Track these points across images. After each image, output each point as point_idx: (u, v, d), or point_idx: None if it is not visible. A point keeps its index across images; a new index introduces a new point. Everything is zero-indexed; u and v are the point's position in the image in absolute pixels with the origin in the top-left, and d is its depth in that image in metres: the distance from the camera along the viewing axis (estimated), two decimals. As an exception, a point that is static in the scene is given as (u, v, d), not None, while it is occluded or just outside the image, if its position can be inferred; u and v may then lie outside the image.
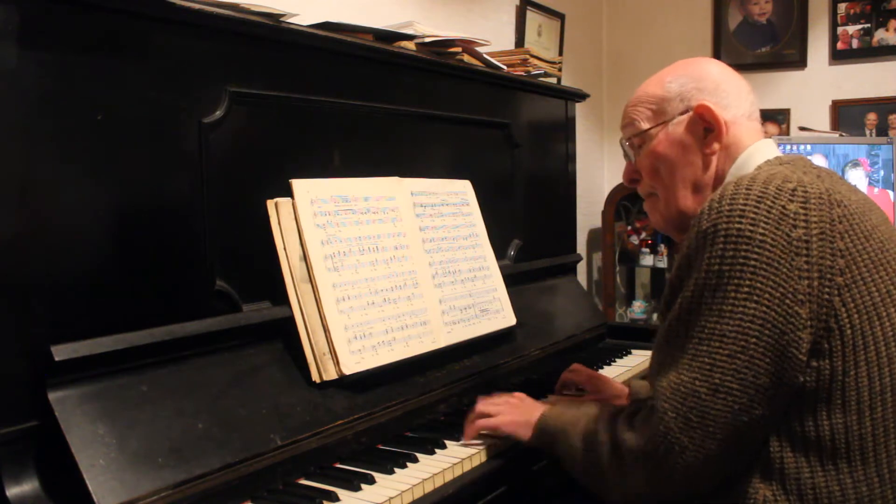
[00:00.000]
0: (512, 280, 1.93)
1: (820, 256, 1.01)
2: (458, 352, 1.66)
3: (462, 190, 1.85)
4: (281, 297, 1.38)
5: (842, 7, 3.46)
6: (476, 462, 1.34)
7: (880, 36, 3.41)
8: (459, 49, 1.95)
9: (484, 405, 1.41)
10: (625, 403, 1.57)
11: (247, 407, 1.24)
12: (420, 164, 1.78)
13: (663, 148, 1.26)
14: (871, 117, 3.43)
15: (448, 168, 1.86)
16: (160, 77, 1.23)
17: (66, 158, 1.11)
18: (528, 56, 2.34)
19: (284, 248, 1.38)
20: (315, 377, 1.35)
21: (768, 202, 1.03)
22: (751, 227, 1.02)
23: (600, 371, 1.94)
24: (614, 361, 2.04)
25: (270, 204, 1.39)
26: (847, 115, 3.47)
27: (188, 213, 1.27)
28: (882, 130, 3.41)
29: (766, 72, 3.59)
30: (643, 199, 1.36)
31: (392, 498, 1.17)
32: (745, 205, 1.03)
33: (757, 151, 1.21)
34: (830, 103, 3.51)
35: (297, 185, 1.42)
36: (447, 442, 1.38)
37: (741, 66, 3.60)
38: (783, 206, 1.02)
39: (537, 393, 1.65)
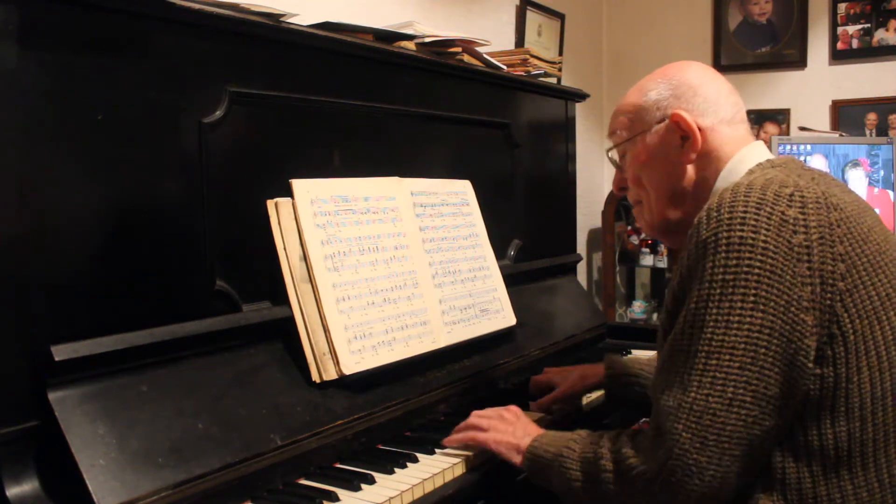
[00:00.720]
0: (512, 280, 1.93)
1: (821, 262, 1.00)
2: (458, 352, 1.66)
3: (462, 190, 1.85)
4: (281, 297, 1.38)
5: (842, 7, 3.46)
6: (476, 462, 1.34)
7: (880, 36, 3.41)
8: (459, 49, 1.95)
9: (476, 418, 1.37)
10: (596, 381, 1.62)
11: (247, 407, 1.24)
12: (420, 164, 1.78)
13: (644, 157, 1.26)
14: (871, 117, 3.43)
15: (448, 168, 1.86)
16: (160, 77, 1.23)
17: (66, 158, 1.11)
18: (528, 56, 2.34)
19: (284, 248, 1.38)
20: (315, 377, 1.35)
21: (768, 208, 1.01)
22: (752, 235, 1.00)
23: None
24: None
25: (270, 204, 1.39)
26: (847, 115, 3.47)
27: (188, 213, 1.27)
28: (882, 130, 3.41)
29: (766, 72, 3.59)
30: (632, 205, 1.37)
31: (392, 498, 1.17)
32: (746, 212, 1.01)
33: (747, 156, 1.20)
34: (830, 103, 3.51)
35: (297, 185, 1.42)
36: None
37: (741, 67, 3.61)
38: (782, 212, 1.01)
39: (537, 393, 1.65)
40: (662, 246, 3.49)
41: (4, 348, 1.03)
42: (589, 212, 3.65)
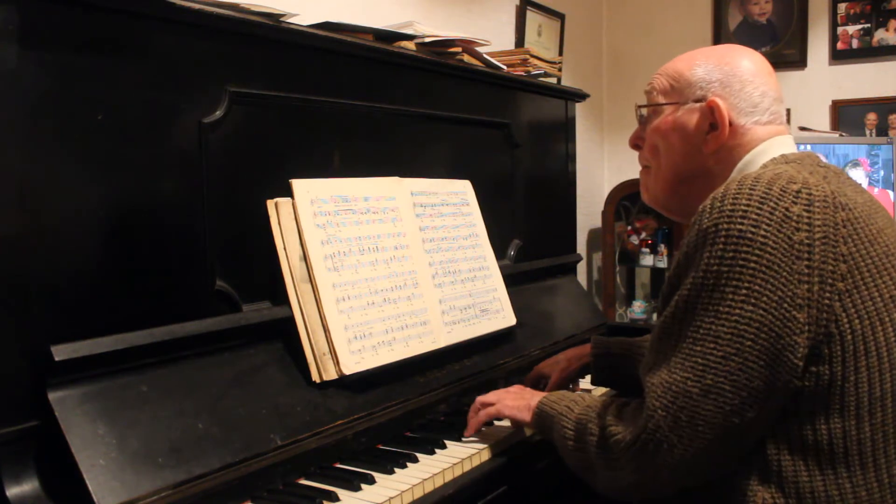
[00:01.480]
0: (512, 280, 1.93)
1: (822, 261, 1.00)
2: (458, 352, 1.66)
3: (462, 190, 1.85)
4: (281, 297, 1.38)
5: (842, 7, 3.46)
6: (476, 462, 1.34)
7: (880, 36, 3.41)
8: (459, 49, 1.95)
9: (483, 396, 1.44)
10: (585, 362, 1.65)
11: (247, 407, 1.24)
12: (420, 164, 1.78)
13: (667, 128, 1.24)
14: (871, 117, 3.43)
15: (448, 168, 1.86)
16: (160, 77, 1.23)
17: (66, 158, 1.11)
18: (528, 56, 2.34)
19: (284, 248, 1.38)
20: (315, 377, 1.35)
21: (771, 204, 1.01)
22: (752, 229, 1.00)
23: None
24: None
25: (270, 204, 1.39)
26: (847, 115, 3.47)
27: (188, 213, 1.27)
28: (882, 130, 3.40)
29: (766, 72, 3.58)
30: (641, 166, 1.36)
31: (392, 498, 1.17)
32: (748, 205, 1.01)
33: (768, 148, 1.19)
34: (830, 103, 3.51)
35: (297, 185, 1.42)
36: (447, 442, 1.38)
37: (741, 66, 3.60)
38: (786, 209, 1.01)
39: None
40: (662, 246, 3.49)
41: (4, 348, 1.03)
42: (589, 212, 3.65)
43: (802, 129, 3.43)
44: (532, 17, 3.19)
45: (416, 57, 1.78)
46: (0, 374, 1.03)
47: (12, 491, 1.00)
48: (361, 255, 1.49)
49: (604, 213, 3.57)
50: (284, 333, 1.37)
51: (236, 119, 1.35)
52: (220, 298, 1.32)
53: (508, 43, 3.10)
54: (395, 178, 1.65)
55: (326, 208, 1.46)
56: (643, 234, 3.55)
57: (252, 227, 1.37)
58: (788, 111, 3.57)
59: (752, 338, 1.00)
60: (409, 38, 1.80)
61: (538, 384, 1.68)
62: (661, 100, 1.26)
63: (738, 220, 1.01)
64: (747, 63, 1.22)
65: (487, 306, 1.77)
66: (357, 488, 1.20)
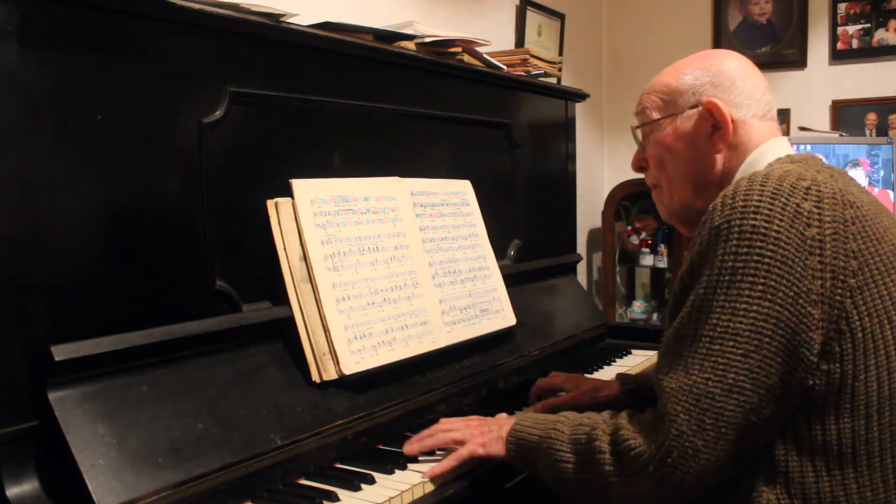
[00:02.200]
0: (512, 280, 1.92)
1: (833, 257, 1.00)
2: (458, 352, 1.66)
3: (462, 190, 1.85)
4: (281, 297, 1.38)
5: (842, 7, 3.46)
6: (476, 463, 1.34)
7: (880, 36, 3.41)
8: (459, 49, 1.95)
9: (449, 423, 1.33)
10: (607, 395, 1.55)
11: (247, 407, 1.24)
12: (420, 164, 1.78)
13: (670, 140, 1.24)
14: (871, 117, 3.43)
15: (448, 168, 1.86)
16: (160, 77, 1.23)
17: (66, 158, 1.11)
18: (528, 56, 2.34)
19: (284, 248, 1.38)
20: (315, 377, 1.35)
21: (783, 199, 1.01)
22: (766, 224, 1.00)
23: (600, 371, 1.94)
24: (614, 361, 2.04)
25: (270, 204, 1.39)
26: (847, 115, 3.47)
27: (188, 213, 1.27)
28: (882, 130, 3.40)
29: (766, 72, 3.53)
30: (650, 187, 1.35)
31: (392, 498, 1.17)
32: (760, 201, 1.01)
33: (769, 149, 1.19)
34: (830, 103, 3.51)
35: (297, 185, 1.42)
36: (447, 442, 1.38)
37: (741, 66, 3.60)
38: (797, 204, 1.01)
39: (535, 400, 1.64)
40: (662, 246, 3.49)
41: (4, 348, 1.03)
42: (589, 212, 3.65)
43: (802, 129, 3.43)
44: (532, 17, 3.19)
45: (416, 57, 1.78)
46: (0, 374, 1.03)
47: (12, 491, 1.00)
48: (361, 255, 1.49)
49: (604, 213, 3.57)
50: (284, 333, 1.37)
51: (236, 119, 1.35)
52: (220, 298, 1.32)
53: (508, 43, 3.10)
54: (395, 178, 1.65)
55: (326, 208, 1.46)
56: (643, 234, 3.55)
57: (252, 227, 1.37)
58: (788, 111, 3.57)
59: (769, 334, 0.99)
60: (409, 38, 1.80)
61: (545, 396, 1.62)
62: (655, 116, 1.26)
63: (751, 215, 1.01)
64: (731, 62, 1.24)
65: (487, 306, 1.77)
66: (357, 488, 1.20)
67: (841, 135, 3.33)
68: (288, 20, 1.43)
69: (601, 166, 3.97)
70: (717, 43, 3.68)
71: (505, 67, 2.16)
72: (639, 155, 1.33)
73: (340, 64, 1.57)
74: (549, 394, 1.64)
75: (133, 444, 1.07)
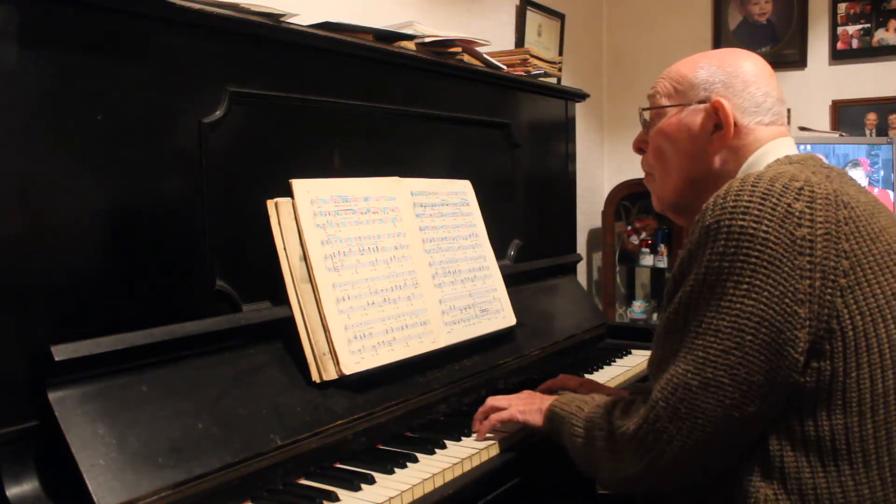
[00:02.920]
0: (512, 280, 1.92)
1: (824, 257, 1.01)
2: (458, 352, 1.66)
3: (462, 190, 1.85)
4: (281, 297, 1.38)
5: (842, 7, 3.46)
6: (476, 462, 1.34)
7: (880, 36, 3.41)
8: (459, 49, 1.95)
9: (494, 400, 1.44)
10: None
11: (247, 407, 1.24)
12: (420, 164, 1.78)
13: (672, 130, 1.26)
14: (871, 117, 3.43)
15: (448, 168, 1.86)
16: (160, 77, 1.23)
17: (66, 158, 1.11)
18: (528, 56, 2.34)
19: (284, 248, 1.38)
20: (315, 377, 1.35)
21: (773, 200, 1.02)
22: (754, 225, 1.01)
23: (600, 371, 1.94)
24: (614, 361, 2.04)
25: (270, 204, 1.39)
26: (847, 115, 3.47)
27: (188, 212, 1.27)
28: (882, 130, 3.41)
29: (766, 72, 3.58)
30: (644, 173, 1.37)
31: (392, 498, 1.17)
32: (750, 202, 1.02)
33: (770, 151, 1.20)
34: (830, 103, 3.51)
35: (297, 185, 1.42)
36: (447, 442, 1.38)
37: (741, 66, 3.60)
38: (788, 205, 1.02)
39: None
40: (662, 246, 3.49)
41: (4, 348, 1.03)
42: (589, 212, 3.65)
43: (802, 129, 3.43)
44: (532, 17, 3.19)
45: (416, 57, 1.78)
46: (0, 374, 1.03)
47: (12, 491, 1.00)
48: (361, 255, 1.49)
49: (604, 213, 3.57)
50: (284, 333, 1.37)
51: (236, 119, 1.35)
52: (220, 298, 1.32)
53: (508, 43, 3.10)
54: (395, 178, 1.65)
55: (326, 208, 1.46)
56: (643, 234, 3.55)
57: (252, 227, 1.37)
58: (788, 111, 3.56)
59: (752, 332, 1.01)
60: (409, 38, 1.80)
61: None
62: (664, 102, 1.28)
63: (740, 216, 1.02)
64: (749, 65, 1.24)
65: (487, 306, 1.77)
66: (357, 488, 1.20)
67: (841, 135, 3.33)
68: (288, 20, 1.43)
69: (601, 166, 3.97)
70: (717, 43, 3.68)
71: (505, 67, 2.16)
72: (641, 136, 1.35)
73: (340, 64, 1.57)
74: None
75: (133, 444, 1.07)
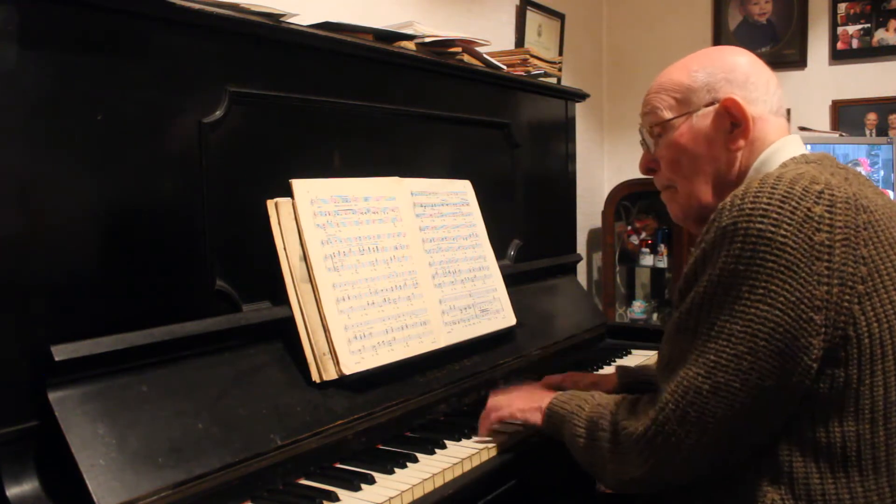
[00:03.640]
0: (512, 280, 1.92)
1: (842, 263, 0.99)
2: (458, 352, 1.66)
3: (462, 190, 1.85)
4: (281, 297, 1.38)
5: (842, 7, 3.46)
6: (476, 462, 1.34)
7: (880, 36, 3.41)
8: (459, 49, 1.95)
9: (494, 399, 1.43)
10: (606, 388, 1.58)
11: (247, 407, 1.24)
12: (420, 164, 1.78)
13: (686, 140, 1.22)
14: (871, 117, 3.43)
15: (448, 168, 1.86)
16: (160, 77, 1.23)
17: (66, 158, 1.11)
18: (528, 56, 2.34)
19: (284, 248, 1.38)
20: (315, 377, 1.35)
21: (793, 203, 1.00)
22: (772, 229, 0.99)
23: (600, 371, 1.94)
24: (614, 361, 2.04)
25: (270, 204, 1.39)
26: (847, 115, 3.47)
27: (188, 212, 1.27)
28: (882, 130, 3.41)
29: (766, 72, 3.58)
30: (660, 190, 1.32)
31: (392, 498, 1.17)
32: (769, 204, 1.00)
33: (783, 147, 1.18)
34: (830, 103, 3.51)
35: (297, 185, 1.42)
36: (447, 442, 1.38)
37: (741, 66, 3.60)
38: (808, 209, 0.99)
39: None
40: (662, 246, 3.49)
41: (4, 348, 1.03)
42: (589, 212, 3.65)
43: (802, 129, 3.43)
44: (532, 17, 3.19)
45: (416, 57, 1.78)
46: (0, 374, 1.03)
47: (12, 491, 1.00)
48: (361, 255, 1.49)
49: (604, 213, 3.57)
50: (284, 333, 1.37)
51: (236, 119, 1.35)
52: (220, 298, 1.32)
53: (508, 43, 3.10)
54: (395, 178, 1.65)
55: (326, 208, 1.46)
56: (643, 234, 3.55)
57: (252, 227, 1.37)
58: (788, 111, 3.56)
59: (765, 337, 0.99)
60: (409, 38, 1.80)
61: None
62: (668, 115, 1.24)
63: (758, 218, 1.00)
64: (743, 58, 1.23)
65: (487, 306, 1.77)
66: (357, 488, 1.20)
67: (841, 135, 3.33)
68: (288, 20, 1.43)
69: (601, 166, 3.97)
70: (717, 43, 3.68)
71: (505, 67, 2.16)
72: (647, 157, 1.31)
73: (340, 64, 1.57)
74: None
75: (133, 444, 1.07)
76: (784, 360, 0.99)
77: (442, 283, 1.67)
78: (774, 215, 0.99)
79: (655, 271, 3.71)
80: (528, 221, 2.17)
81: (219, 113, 1.31)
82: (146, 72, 1.21)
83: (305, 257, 1.39)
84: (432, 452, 1.34)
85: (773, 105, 1.21)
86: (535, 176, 2.23)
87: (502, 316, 1.81)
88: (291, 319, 1.36)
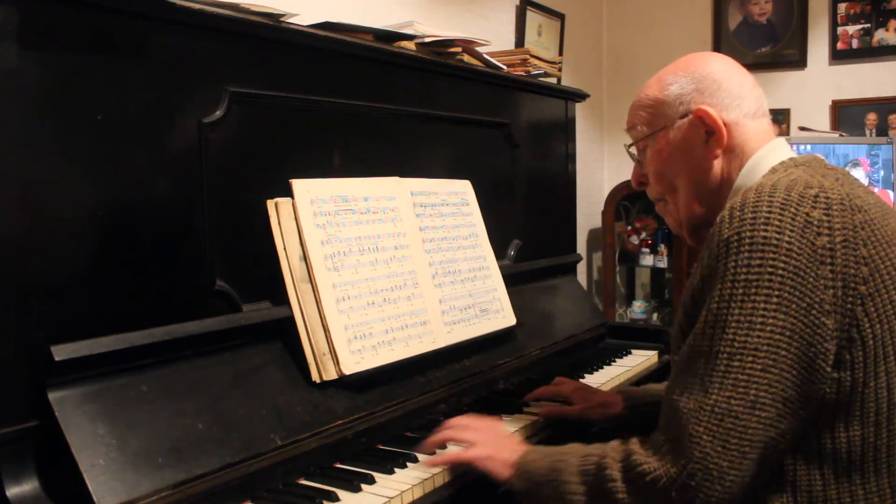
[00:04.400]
0: (512, 280, 1.92)
1: (844, 265, 0.98)
2: (458, 352, 1.66)
3: (462, 190, 1.85)
4: (281, 297, 1.38)
5: (842, 7, 3.46)
6: (476, 462, 1.34)
7: (880, 36, 3.41)
8: (459, 49, 1.95)
9: (457, 429, 1.32)
10: (615, 412, 1.51)
11: (247, 407, 1.24)
12: (420, 164, 1.78)
13: (666, 153, 1.23)
14: (871, 117, 3.43)
15: (448, 168, 1.86)
16: (160, 77, 1.23)
17: (66, 158, 1.11)
18: (528, 56, 2.34)
19: (284, 248, 1.38)
20: (315, 377, 1.35)
21: (792, 209, 0.99)
22: (777, 235, 0.98)
23: (600, 371, 1.94)
24: (614, 361, 2.04)
25: (270, 204, 1.39)
26: (847, 115, 3.47)
27: (188, 212, 1.27)
28: (882, 130, 3.41)
29: (766, 72, 3.59)
30: (654, 202, 1.33)
31: (392, 498, 1.17)
32: (770, 212, 0.99)
33: (769, 153, 1.18)
34: (830, 103, 3.51)
35: (297, 185, 1.42)
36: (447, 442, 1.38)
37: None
38: (807, 214, 0.99)
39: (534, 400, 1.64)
40: (662, 246, 3.49)
41: (4, 348, 1.03)
42: (589, 212, 3.65)
43: (802, 129, 3.43)
44: (532, 17, 3.19)
45: (416, 57, 1.78)
46: (0, 374, 1.03)
47: (12, 491, 1.00)
48: (361, 255, 1.49)
49: (604, 213, 3.57)
50: (284, 333, 1.37)
51: (236, 119, 1.35)
52: (220, 298, 1.32)
53: (508, 43, 3.10)
54: (395, 178, 1.65)
55: (326, 208, 1.46)
56: (643, 234, 3.56)
57: (252, 227, 1.37)
58: (788, 111, 3.57)
59: (786, 347, 0.97)
60: (409, 38, 1.80)
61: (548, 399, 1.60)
62: (646, 131, 1.25)
63: (762, 226, 0.99)
64: (714, 64, 1.22)
65: (487, 306, 1.77)
66: (357, 488, 1.20)
67: (841, 135, 3.33)
68: (288, 20, 1.43)
69: (601, 166, 3.97)
70: (717, 43, 3.68)
71: (505, 67, 2.16)
72: (637, 171, 1.32)
73: (340, 64, 1.57)
74: (551, 401, 1.61)
75: (133, 444, 1.07)
76: (804, 368, 0.98)
77: (442, 283, 1.67)
78: (777, 222, 0.99)
79: (655, 271, 3.71)
80: (528, 221, 2.17)
81: (219, 113, 1.31)
82: (146, 72, 1.21)
83: (305, 257, 1.39)
84: (432, 452, 1.34)
85: (749, 108, 1.20)
86: (535, 176, 2.23)
87: (502, 316, 1.81)
88: (291, 319, 1.36)
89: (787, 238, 0.98)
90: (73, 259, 1.12)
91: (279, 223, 1.39)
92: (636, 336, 2.30)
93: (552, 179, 2.36)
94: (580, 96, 2.42)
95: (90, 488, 1.00)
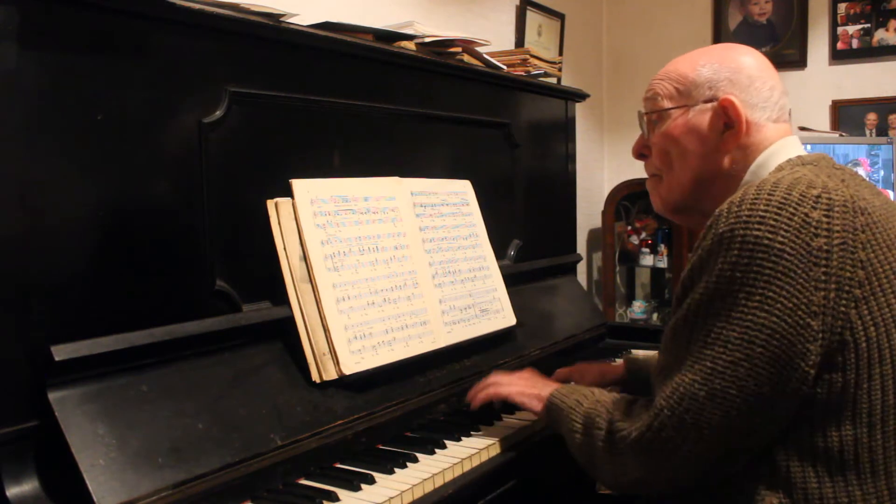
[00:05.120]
0: (512, 280, 1.92)
1: (840, 267, 0.98)
2: (459, 352, 1.66)
3: (462, 190, 1.85)
4: (281, 297, 1.38)
5: (842, 7, 3.46)
6: (476, 462, 1.34)
7: (880, 36, 3.41)
8: (459, 49, 1.95)
9: (496, 375, 1.46)
10: (614, 377, 1.67)
11: (247, 407, 1.24)
12: (420, 164, 1.78)
13: (679, 132, 1.21)
14: (871, 117, 3.43)
15: (448, 168, 1.86)
16: (160, 77, 1.23)
17: (66, 158, 1.11)
18: (528, 56, 2.34)
19: (284, 248, 1.38)
20: (315, 377, 1.35)
21: (790, 209, 0.99)
22: (769, 235, 0.98)
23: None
24: (614, 361, 2.04)
25: (270, 204, 1.39)
26: (847, 115, 3.47)
27: (188, 212, 1.27)
28: (882, 130, 3.41)
29: (766, 72, 3.58)
30: (647, 176, 1.32)
31: (392, 498, 1.17)
32: (766, 211, 0.99)
33: (780, 150, 1.17)
34: (830, 103, 3.51)
35: (297, 185, 1.42)
36: (447, 442, 1.38)
37: (741, 66, 3.60)
38: (805, 214, 0.99)
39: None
40: (662, 246, 3.49)
41: (4, 348, 1.03)
42: (589, 212, 3.65)
43: (802, 128, 3.42)
44: (532, 17, 3.19)
45: (416, 57, 1.78)
46: (0, 374, 1.02)
47: (12, 491, 1.00)
48: (361, 255, 1.49)
49: (604, 213, 3.57)
50: (284, 333, 1.37)
51: (236, 119, 1.35)
52: (220, 298, 1.32)
53: (508, 43, 3.10)
54: (395, 178, 1.65)
55: (326, 208, 1.46)
56: (643, 234, 3.55)
57: (252, 227, 1.37)
58: (788, 111, 3.57)
59: (762, 344, 0.98)
60: (409, 38, 1.80)
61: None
62: (667, 104, 1.23)
63: (755, 225, 0.99)
64: (751, 60, 1.21)
65: (487, 306, 1.77)
66: (357, 488, 1.20)
67: (841, 135, 3.33)
68: (288, 20, 1.43)
69: (601, 166, 3.97)
70: (717, 43, 3.67)
71: (505, 67, 2.16)
72: (641, 141, 1.30)
73: (340, 64, 1.57)
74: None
75: (133, 444, 1.07)
76: (781, 367, 0.99)
77: (442, 283, 1.67)
78: (772, 222, 0.99)
79: (655, 271, 3.71)
80: (527, 221, 2.17)
81: (219, 113, 1.31)
82: (146, 72, 1.21)
83: (305, 257, 1.39)
84: (432, 452, 1.34)
85: (773, 113, 1.20)
86: (535, 176, 2.23)
87: (502, 316, 1.81)
88: (291, 319, 1.36)
89: (780, 238, 0.98)
90: (73, 259, 1.12)
91: (279, 223, 1.39)
92: (636, 336, 2.31)
93: (552, 179, 2.36)
94: (580, 96, 2.42)
95: (90, 488, 1.00)
